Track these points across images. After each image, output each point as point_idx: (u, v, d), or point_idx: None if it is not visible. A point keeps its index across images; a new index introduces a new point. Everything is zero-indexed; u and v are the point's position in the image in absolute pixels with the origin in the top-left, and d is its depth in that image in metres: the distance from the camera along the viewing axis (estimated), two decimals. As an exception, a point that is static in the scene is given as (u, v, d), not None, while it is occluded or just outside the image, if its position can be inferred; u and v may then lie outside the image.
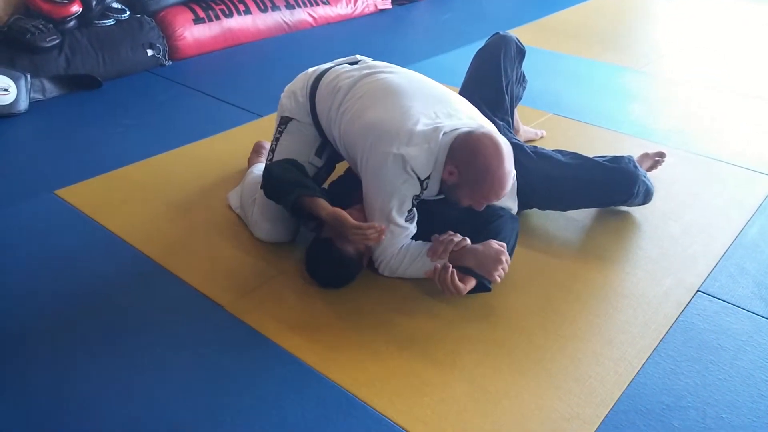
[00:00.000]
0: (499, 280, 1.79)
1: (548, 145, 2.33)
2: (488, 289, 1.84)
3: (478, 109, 2.06)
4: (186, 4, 3.67)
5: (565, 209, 2.17)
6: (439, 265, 1.76)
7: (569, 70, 3.62)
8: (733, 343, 1.72)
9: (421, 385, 1.56)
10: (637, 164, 2.04)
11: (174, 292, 1.84)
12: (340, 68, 2.04)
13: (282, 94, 2.12)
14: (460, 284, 1.75)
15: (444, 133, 1.77)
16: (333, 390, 1.54)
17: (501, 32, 2.33)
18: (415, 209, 1.85)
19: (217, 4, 3.77)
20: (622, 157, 2.05)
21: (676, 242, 2.13)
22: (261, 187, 1.95)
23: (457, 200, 1.83)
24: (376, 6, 4.64)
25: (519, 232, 1.96)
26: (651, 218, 2.24)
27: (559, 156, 2.10)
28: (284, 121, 2.09)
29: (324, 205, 1.79)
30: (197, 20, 3.65)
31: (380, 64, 2.05)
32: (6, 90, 2.82)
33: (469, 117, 1.87)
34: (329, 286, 1.86)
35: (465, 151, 1.74)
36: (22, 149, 2.66)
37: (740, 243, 2.13)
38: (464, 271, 1.79)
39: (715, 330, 1.77)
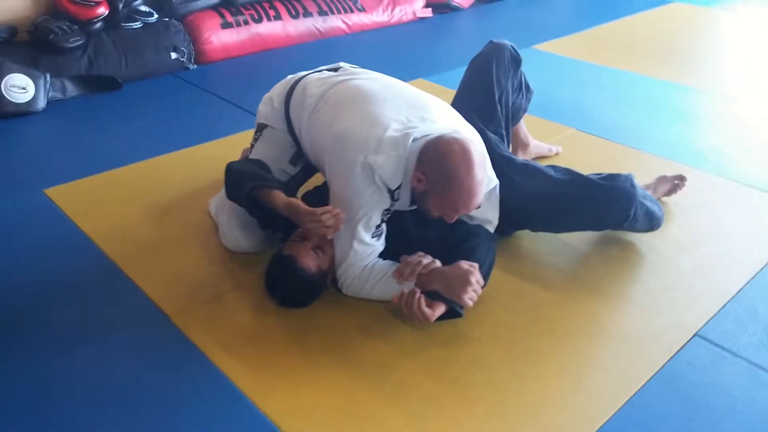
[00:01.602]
0: (470, 303, 1.63)
1: (562, 163, 2.15)
2: (459, 315, 1.69)
3: (469, 120, 1.92)
4: (215, 9, 3.67)
5: (557, 231, 1.98)
6: (405, 290, 1.63)
7: (606, 84, 3.39)
8: (725, 400, 1.50)
9: (358, 421, 1.43)
10: (635, 184, 1.83)
11: (126, 298, 1.79)
12: (316, 75, 1.94)
13: (261, 101, 2.04)
14: (427, 310, 1.61)
15: (414, 139, 1.64)
16: (258, 420, 1.42)
17: (495, 40, 2.17)
18: (384, 225, 1.72)
19: (247, 9, 3.76)
20: (619, 174, 1.84)
21: (683, 277, 1.90)
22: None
23: (427, 211, 1.69)
24: (414, 14, 4.53)
25: (499, 253, 1.80)
26: (660, 248, 2.02)
27: (550, 171, 1.92)
28: (260, 128, 2.01)
29: (279, 196, 1.69)
30: (225, 25, 3.65)
31: (360, 71, 1.94)
32: (24, 88, 2.88)
33: (445, 121, 1.73)
34: (288, 305, 1.75)
35: (432, 156, 1.61)
36: (27, 146, 2.70)
37: (758, 282, 1.88)
38: (433, 296, 1.65)
39: (706, 382, 1.55)
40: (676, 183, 2.24)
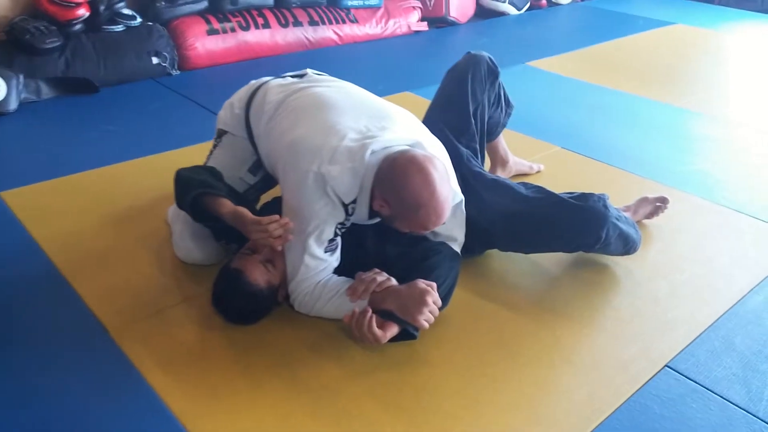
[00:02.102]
0: (425, 325, 1.53)
1: (543, 182, 2.06)
2: (413, 337, 1.59)
3: (441, 134, 1.83)
4: (202, 14, 3.61)
5: (526, 251, 1.88)
6: (357, 309, 1.53)
7: (598, 103, 3.30)
8: (692, 438, 1.39)
9: (293, 448, 1.33)
10: (608, 204, 1.73)
11: (65, 308, 1.69)
12: (279, 81, 1.86)
13: (222, 106, 1.96)
14: (377, 331, 1.51)
15: (372, 152, 1.55)
16: (187, 446, 1.33)
17: (473, 51, 2.08)
18: (338, 239, 1.62)
19: (235, 16, 3.69)
20: (592, 194, 1.74)
21: (658, 304, 1.80)
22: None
23: (395, 228, 1.61)
24: (409, 27, 4.46)
25: (464, 272, 1.70)
26: (637, 273, 1.92)
27: (521, 189, 1.82)
28: (219, 134, 1.93)
29: (226, 204, 1.60)
30: (211, 31, 3.59)
31: (324, 79, 1.86)
32: (-5, 88, 2.82)
33: (406, 131, 1.64)
34: (234, 322, 1.65)
35: (391, 183, 1.52)
36: (-8, 148, 2.63)
37: (737, 312, 1.77)
38: (386, 316, 1.55)
39: (674, 417, 1.44)
40: (657, 205, 2.14)
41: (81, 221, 2.07)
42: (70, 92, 3.11)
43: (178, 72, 3.49)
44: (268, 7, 3.84)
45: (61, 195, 2.23)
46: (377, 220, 1.70)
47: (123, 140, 2.68)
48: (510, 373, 1.54)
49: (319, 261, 1.60)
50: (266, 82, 1.88)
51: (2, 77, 2.84)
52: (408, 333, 1.57)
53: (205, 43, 3.56)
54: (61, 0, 3.09)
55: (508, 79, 2.23)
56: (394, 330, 1.55)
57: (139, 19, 3.40)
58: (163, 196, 2.21)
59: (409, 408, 1.43)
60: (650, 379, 1.54)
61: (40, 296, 1.75)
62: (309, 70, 1.93)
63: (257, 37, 3.76)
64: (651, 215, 2.14)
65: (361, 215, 1.61)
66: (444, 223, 1.64)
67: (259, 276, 1.59)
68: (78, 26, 3.19)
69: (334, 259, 1.64)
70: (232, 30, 3.66)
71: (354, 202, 1.56)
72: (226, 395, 1.45)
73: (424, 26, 4.55)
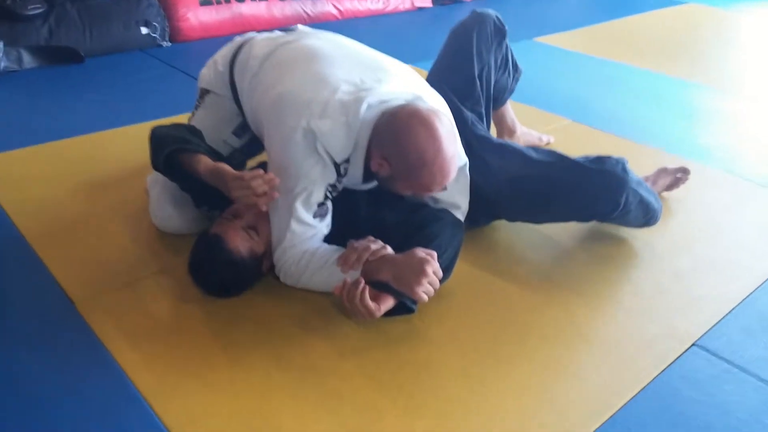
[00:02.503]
0: (424, 297, 1.37)
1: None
2: (411, 311, 1.43)
3: (445, 97, 1.66)
4: (194, -16, 3.45)
5: (536, 221, 1.72)
6: (348, 280, 1.37)
7: (609, 77, 3.13)
8: (727, 422, 1.23)
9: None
10: (628, 168, 1.56)
11: (29, 279, 1.54)
12: (265, 35, 1.70)
13: (205, 65, 1.80)
14: (371, 304, 1.34)
15: (368, 106, 1.39)
16: (151, 427, 1.17)
17: (478, 9, 1.92)
18: (329, 204, 1.46)
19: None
20: (609, 157, 1.58)
21: (681, 279, 1.63)
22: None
23: (395, 191, 1.46)
24: (413, 3, 4.28)
25: (468, 245, 1.54)
26: (657, 247, 1.76)
27: (531, 153, 1.66)
28: (202, 94, 1.77)
29: (204, 161, 1.44)
30: (204, 2, 3.42)
31: (315, 32, 1.70)
32: (-28, 55, 2.66)
33: (405, 84, 1.48)
34: (213, 294, 1.49)
35: (392, 138, 1.36)
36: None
37: (769, 288, 1.61)
38: (381, 288, 1.39)
39: (705, 400, 1.27)
40: (678, 176, 1.97)
41: (54, 188, 1.92)
42: (54, 62, 2.95)
43: (169, 44, 3.33)
44: (265, -22, 3.67)
45: (34, 162, 2.07)
46: (373, 184, 1.54)
47: (106, 109, 2.52)
48: (519, 352, 1.38)
49: (307, 227, 1.44)
50: (252, 37, 1.72)
51: (-20, 43, 2.68)
52: (405, 306, 1.42)
53: (198, 14, 3.40)
54: (44, -36, 2.92)
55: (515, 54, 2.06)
56: (389, 303, 1.39)
57: (127, -13, 3.23)
58: (144, 165, 2.01)
59: (407, 389, 1.27)
60: (677, 358, 1.38)
61: (2, 266, 1.59)
62: (300, 26, 1.77)
63: (253, 9, 3.59)
64: (671, 187, 1.97)
65: (354, 177, 1.46)
66: (446, 189, 1.49)
67: (240, 243, 1.43)
68: (62, -7, 3.02)
69: (324, 226, 1.48)
70: (227, 1, 3.50)
71: (347, 161, 1.40)
72: (199, 373, 1.29)
73: (427, 2, 4.38)
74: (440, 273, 1.39)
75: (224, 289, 1.48)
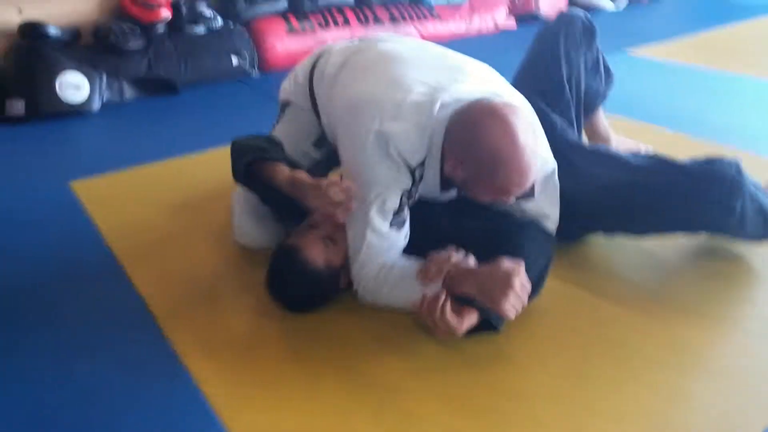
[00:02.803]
0: (511, 313, 1.26)
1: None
2: (496, 329, 1.32)
3: (532, 103, 1.56)
4: (282, 14, 3.53)
5: (637, 233, 1.56)
6: (428, 293, 1.29)
7: (714, 88, 2.91)
8: None
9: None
10: (742, 170, 1.39)
11: (116, 296, 1.55)
12: (343, 43, 1.67)
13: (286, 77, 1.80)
14: (452, 319, 1.25)
15: (442, 105, 1.32)
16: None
17: (565, 10, 1.81)
18: (406, 213, 1.39)
19: (315, 15, 3.59)
20: (721, 158, 1.41)
21: (813, 299, 1.43)
22: None
23: (474, 198, 1.37)
24: (496, 25, 4.20)
25: (559, 260, 1.42)
26: (781, 264, 1.56)
27: (629, 157, 1.52)
28: (282, 107, 1.77)
29: (283, 170, 1.40)
30: (291, 30, 3.49)
31: (393, 36, 1.66)
32: (78, 87, 2.82)
33: (482, 83, 1.41)
34: (290, 307, 1.45)
35: (463, 137, 1.28)
36: (70, 143, 2.59)
37: None
38: (465, 302, 1.30)
39: None
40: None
41: (144, 210, 1.96)
42: (152, 93, 3.09)
43: (258, 72, 3.42)
44: (348, 5, 3.71)
45: (127, 185, 2.14)
46: (453, 194, 1.46)
47: (197, 134, 2.58)
48: (621, 377, 1.24)
49: (383, 237, 1.37)
50: (331, 46, 1.70)
51: (85, 76, 2.84)
52: (490, 324, 1.31)
53: (285, 43, 3.47)
54: (144, 1, 3.08)
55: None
56: (473, 319, 1.29)
57: (219, 20, 3.36)
58: (230, 184, 2.06)
59: (489, 413, 1.16)
60: (814, 390, 1.19)
61: (93, 282, 1.62)
62: (380, 33, 1.74)
63: (336, 36, 3.62)
64: (794, 198, 1.76)
65: (431, 184, 1.38)
66: (532, 196, 1.39)
67: (317, 254, 1.39)
68: (160, 28, 3.17)
69: (402, 237, 1.41)
70: (312, 29, 3.56)
71: (422, 164, 1.33)
72: (273, 388, 1.24)
73: (512, 23, 4.28)
74: (529, 286, 1.28)
75: (301, 301, 1.44)
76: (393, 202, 1.34)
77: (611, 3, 4.67)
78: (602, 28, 1.90)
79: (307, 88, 1.67)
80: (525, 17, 4.35)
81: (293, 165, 1.46)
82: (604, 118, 2.03)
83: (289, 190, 1.38)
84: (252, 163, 1.43)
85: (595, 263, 1.60)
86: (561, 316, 1.41)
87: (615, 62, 1.90)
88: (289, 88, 1.74)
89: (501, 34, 4.19)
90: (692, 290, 1.49)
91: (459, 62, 1.50)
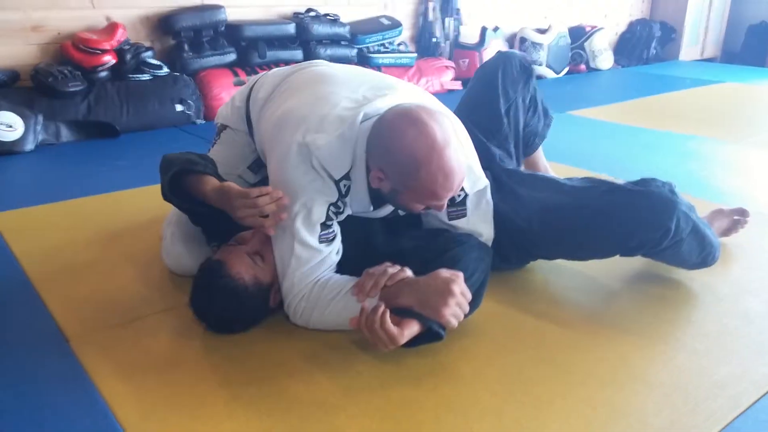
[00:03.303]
0: (452, 321, 1.21)
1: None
2: (440, 337, 1.25)
3: (471, 135, 1.55)
4: (229, 67, 3.55)
5: (577, 256, 1.54)
6: (366, 305, 1.22)
7: (647, 142, 3.01)
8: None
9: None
10: (676, 191, 1.40)
11: (28, 319, 1.43)
12: (281, 69, 1.66)
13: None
14: (392, 328, 1.18)
15: (365, 116, 1.30)
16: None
17: (503, 50, 1.86)
18: (336, 227, 1.34)
19: (262, 69, 3.61)
20: (654, 179, 1.42)
21: (751, 322, 1.42)
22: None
23: (408, 210, 1.33)
24: (442, 86, 4.32)
25: (502, 286, 1.38)
26: (719, 289, 1.56)
27: (565, 180, 1.52)
28: (219, 130, 1.72)
29: (209, 181, 1.33)
30: (238, 83, 3.49)
31: (328, 63, 1.65)
32: (11, 126, 2.72)
33: (409, 98, 1.39)
34: (216, 327, 1.35)
35: (381, 143, 1.25)
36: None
37: None
38: (404, 314, 1.23)
39: (795, 448, 1.04)
40: (736, 218, 1.79)
41: (66, 239, 1.84)
42: (91, 136, 3.00)
43: (203, 121, 3.38)
44: (296, 60, 3.76)
45: (51, 216, 2.02)
46: (386, 210, 1.42)
47: (130, 173, 2.50)
48: (562, 392, 1.18)
49: (312, 251, 1.30)
50: (269, 72, 1.69)
51: (20, 116, 2.75)
52: (432, 333, 1.24)
53: (232, 93, 3.44)
54: (87, 47, 3.04)
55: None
56: (414, 329, 1.22)
57: (166, 69, 3.34)
58: (161, 217, 1.98)
59: (427, 429, 1.08)
60: (754, 403, 1.15)
61: (3, 304, 1.49)
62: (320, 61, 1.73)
63: (286, 90, 3.65)
64: (728, 231, 1.79)
65: (360, 198, 1.34)
66: (465, 215, 1.36)
67: (243, 269, 1.30)
68: (103, 73, 3.12)
69: (333, 252, 1.34)
70: (261, 82, 3.57)
71: (347, 177, 1.29)
72: (188, 408, 1.13)
73: (457, 85, 4.41)
74: (468, 294, 1.23)
75: (227, 321, 1.34)
76: (319, 214, 1.29)
77: (552, 71, 4.89)
78: (545, 93, 1.95)
79: (244, 111, 1.64)
80: (469, 81, 4.49)
81: (222, 179, 1.40)
82: (543, 158, 2.05)
83: (217, 201, 1.31)
84: (179, 175, 1.36)
85: (536, 288, 1.56)
86: (501, 336, 1.35)
87: (555, 119, 1.95)
88: (225, 112, 1.70)
89: (447, 94, 4.30)
90: (633, 312, 1.46)
91: (391, 81, 1.49)
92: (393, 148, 1.21)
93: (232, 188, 1.28)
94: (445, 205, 1.28)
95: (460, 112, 1.82)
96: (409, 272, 1.27)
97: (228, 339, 1.33)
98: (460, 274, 1.23)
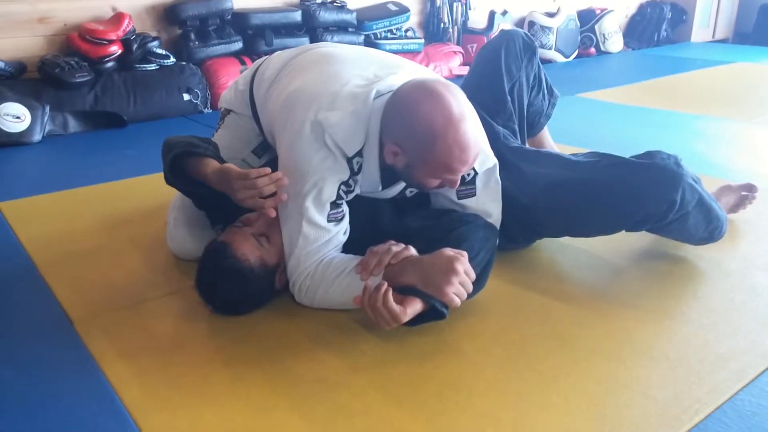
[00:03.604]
0: (455, 299, 1.20)
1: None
2: (442, 316, 1.25)
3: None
4: (236, 55, 3.54)
5: (582, 233, 1.52)
6: (369, 284, 1.21)
7: (655, 122, 2.98)
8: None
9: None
10: (681, 163, 1.38)
11: (33, 302, 1.44)
12: (285, 51, 1.65)
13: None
14: (395, 307, 1.17)
15: (378, 93, 1.29)
16: (131, 437, 1.01)
17: (505, 29, 1.85)
18: (344, 207, 1.34)
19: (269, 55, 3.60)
20: (658, 151, 1.40)
21: (759, 296, 1.40)
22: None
23: (421, 187, 1.32)
24: (450, 71, 4.30)
25: (508, 265, 1.38)
26: (726, 264, 1.54)
27: (570, 156, 1.50)
28: (222, 115, 1.72)
29: (210, 163, 1.33)
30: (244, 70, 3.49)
31: (331, 43, 1.65)
32: (18, 118, 2.73)
33: (419, 73, 1.38)
34: (222, 309, 1.36)
35: (397, 118, 1.25)
36: (4, 169, 2.49)
37: None
38: (407, 292, 1.23)
39: (800, 419, 1.03)
40: (743, 194, 1.77)
41: (72, 226, 1.86)
42: (98, 127, 3.02)
43: (210, 110, 3.39)
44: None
45: (57, 204, 2.04)
46: (394, 191, 1.41)
47: (138, 161, 2.50)
48: (566, 367, 1.17)
49: (320, 230, 1.30)
50: (273, 55, 1.68)
51: (27, 107, 2.77)
52: (435, 311, 1.24)
53: (239, 82, 3.46)
54: (93, 37, 3.06)
55: (556, 108, 1.96)
56: (417, 307, 1.21)
57: (172, 59, 3.34)
58: (168, 204, 1.99)
59: (431, 405, 1.08)
60: (760, 374, 1.14)
61: (9, 288, 1.50)
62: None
63: (293, 77, 3.65)
64: (736, 207, 1.77)
65: (372, 177, 1.33)
66: (474, 194, 1.36)
67: (249, 251, 1.31)
68: (110, 64, 3.13)
69: (340, 232, 1.34)
70: (267, 70, 3.56)
71: (360, 155, 1.29)
72: (192, 388, 1.13)
73: (465, 70, 4.37)
74: (472, 273, 1.23)
75: (232, 303, 1.34)
76: (329, 193, 1.29)
77: (561, 55, 4.84)
78: (554, 76, 1.93)
79: (248, 95, 1.63)
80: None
81: (224, 162, 1.40)
82: (550, 139, 2.03)
83: (217, 183, 1.31)
84: (180, 156, 1.36)
85: (542, 266, 1.55)
86: (506, 314, 1.34)
87: (564, 101, 1.93)
88: (229, 96, 1.70)
89: (456, 79, 4.26)
90: (639, 288, 1.45)
91: (398, 61, 1.49)
92: (409, 121, 1.21)
93: (232, 170, 1.28)
94: (458, 182, 1.27)
95: (464, 92, 1.81)
96: (413, 251, 1.27)
97: (232, 321, 1.33)
98: (465, 253, 1.23)
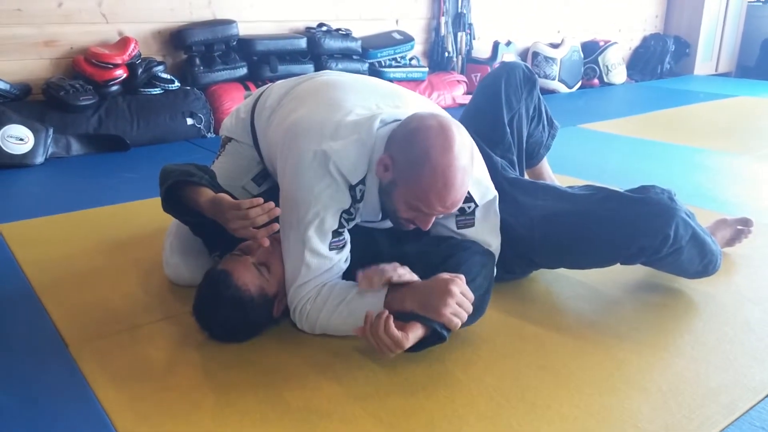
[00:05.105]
0: (454, 320, 1.21)
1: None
2: (443, 338, 1.25)
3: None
4: (241, 81, 3.59)
5: (578, 265, 1.53)
6: (371, 312, 1.22)
7: (656, 155, 3.00)
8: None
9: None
10: (675, 198, 1.39)
11: (29, 325, 1.45)
12: (286, 80, 1.68)
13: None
14: (397, 333, 1.18)
15: (382, 122, 1.31)
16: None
17: (506, 61, 1.87)
18: (346, 235, 1.35)
19: (274, 82, 3.65)
20: (653, 186, 1.42)
21: (752, 330, 1.41)
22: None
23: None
24: (454, 100, 4.34)
25: (504, 296, 1.39)
26: (720, 299, 1.55)
27: (566, 188, 1.52)
28: (223, 143, 1.74)
29: (205, 192, 1.34)
30: (249, 95, 3.53)
31: (332, 71, 1.67)
32: (22, 140, 2.77)
33: (422, 107, 1.40)
34: (219, 337, 1.36)
35: (402, 135, 1.26)
36: (5, 192, 2.51)
37: None
38: (407, 318, 1.23)
39: (792, 456, 1.03)
40: (739, 228, 1.78)
41: (71, 248, 1.87)
42: (101, 150, 3.05)
43: (213, 135, 3.42)
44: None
45: (57, 227, 2.05)
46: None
47: (139, 185, 2.52)
48: (558, 398, 1.17)
49: (323, 259, 1.31)
50: (274, 83, 1.71)
51: (30, 129, 2.80)
52: (437, 334, 1.24)
53: (242, 108, 3.50)
54: (99, 61, 3.10)
55: (556, 139, 1.99)
56: (418, 332, 1.22)
57: (177, 84, 3.39)
58: (166, 226, 2.01)
59: (421, 435, 1.08)
60: (749, 409, 1.14)
61: (5, 312, 1.51)
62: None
63: (296, 103, 3.68)
64: (732, 241, 1.77)
65: (372, 205, 1.34)
66: (472, 227, 1.37)
67: (249, 280, 1.31)
68: (115, 87, 3.18)
69: (342, 260, 1.35)
70: (271, 96, 3.61)
71: (362, 182, 1.30)
72: (184, 415, 1.13)
73: (468, 99, 4.42)
74: (470, 294, 1.24)
75: (230, 331, 1.34)
76: (331, 222, 1.30)
77: (564, 86, 4.89)
78: (557, 107, 1.96)
79: (249, 123, 1.66)
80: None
81: (220, 191, 1.41)
82: (549, 170, 2.04)
83: (211, 213, 1.32)
84: (175, 185, 1.38)
85: (538, 297, 1.56)
86: (499, 344, 1.34)
87: (565, 132, 1.95)
88: (230, 124, 1.72)
89: (459, 108, 4.31)
90: (633, 320, 1.45)
91: (400, 92, 1.51)
92: (412, 138, 1.23)
93: (224, 200, 1.29)
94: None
95: (463, 122, 1.82)
96: (415, 277, 1.28)
97: (226, 347, 1.33)
98: (461, 276, 1.24)
